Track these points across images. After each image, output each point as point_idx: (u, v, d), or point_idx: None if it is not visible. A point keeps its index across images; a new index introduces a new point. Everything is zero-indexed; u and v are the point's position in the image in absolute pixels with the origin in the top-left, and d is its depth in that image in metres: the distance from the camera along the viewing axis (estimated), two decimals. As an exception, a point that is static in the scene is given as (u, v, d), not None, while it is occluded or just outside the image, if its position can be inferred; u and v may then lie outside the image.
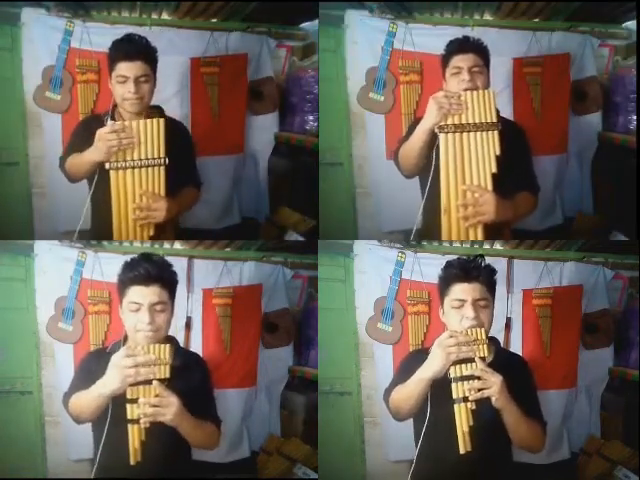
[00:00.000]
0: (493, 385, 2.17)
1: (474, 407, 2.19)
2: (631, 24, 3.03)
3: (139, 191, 2.46)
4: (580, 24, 3.04)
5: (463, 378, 2.19)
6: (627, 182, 2.93)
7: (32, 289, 2.91)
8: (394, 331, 2.91)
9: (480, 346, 2.20)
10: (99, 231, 2.58)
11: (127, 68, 2.46)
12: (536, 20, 3.02)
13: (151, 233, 2.50)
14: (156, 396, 2.16)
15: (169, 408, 2.16)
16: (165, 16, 2.99)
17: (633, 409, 2.88)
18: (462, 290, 2.26)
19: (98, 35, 2.90)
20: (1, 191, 2.96)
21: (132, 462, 2.19)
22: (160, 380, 2.16)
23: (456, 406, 2.19)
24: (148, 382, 2.16)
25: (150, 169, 2.46)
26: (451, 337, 2.20)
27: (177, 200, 2.57)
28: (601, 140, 3.07)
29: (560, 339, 2.89)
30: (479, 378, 2.18)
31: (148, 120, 2.46)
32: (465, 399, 2.19)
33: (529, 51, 3.00)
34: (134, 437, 2.18)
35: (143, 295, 2.23)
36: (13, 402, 2.89)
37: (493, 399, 2.18)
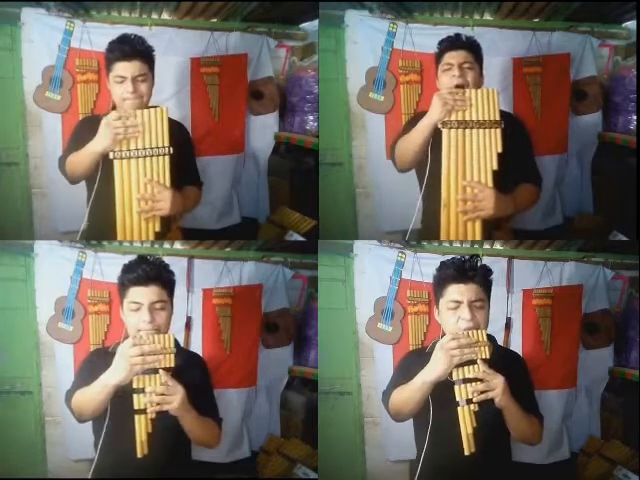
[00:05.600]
0: (496, 387, 2.18)
1: (477, 409, 2.19)
2: (631, 24, 3.03)
3: (144, 180, 2.44)
4: (580, 24, 3.03)
5: (466, 380, 2.19)
6: (627, 182, 2.93)
7: (32, 289, 2.91)
8: (394, 331, 2.91)
9: (482, 348, 2.20)
10: (101, 230, 2.57)
11: (124, 68, 2.46)
12: (536, 20, 3.02)
13: (157, 229, 2.47)
14: (162, 385, 2.19)
15: (175, 396, 2.19)
16: (165, 16, 2.99)
17: (633, 409, 2.88)
18: (458, 291, 2.26)
19: (98, 35, 2.89)
20: (1, 191, 2.96)
21: (139, 454, 2.20)
22: (165, 369, 2.20)
23: (459, 409, 2.20)
24: (154, 371, 2.19)
25: (154, 159, 2.44)
26: (453, 340, 2.19)
27: (181, 196, 2.56)
28: (601, 140, 3.06)
29: (560, 339, 2.89)
30: (482, 380, 2.19)
31: (152, 109, 2.46)
32: (469, 401, 2.19)
33: (529, 51, 2.99)
34: (141, 428, 2.19)
35: (143, 295, 2.29)
36: (13, 402, 2.89)
37: (496, 400, 2.19)
